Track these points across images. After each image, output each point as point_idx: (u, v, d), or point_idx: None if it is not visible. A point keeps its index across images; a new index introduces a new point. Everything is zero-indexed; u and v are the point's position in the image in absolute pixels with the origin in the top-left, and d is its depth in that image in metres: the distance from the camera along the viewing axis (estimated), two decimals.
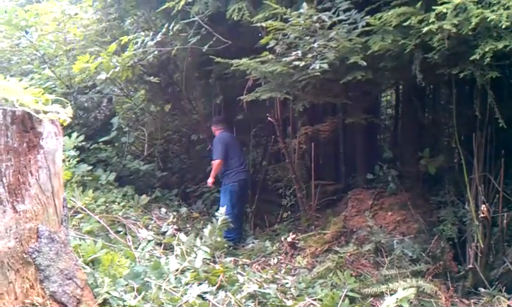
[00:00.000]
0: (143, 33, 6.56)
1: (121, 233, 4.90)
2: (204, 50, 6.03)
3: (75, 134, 6.33)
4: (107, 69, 6.36)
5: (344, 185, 6.94)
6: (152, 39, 6.27)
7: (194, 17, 5.92)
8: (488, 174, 4.99)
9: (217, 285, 3.83)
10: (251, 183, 7.08)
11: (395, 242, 5.14)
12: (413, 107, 6.32)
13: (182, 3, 5.76)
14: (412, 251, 5.00)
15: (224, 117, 7.21)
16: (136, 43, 6.34)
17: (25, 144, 2.74)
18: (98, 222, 4.72)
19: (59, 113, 2.93)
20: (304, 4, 4.80)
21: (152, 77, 7.36)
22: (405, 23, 4.05)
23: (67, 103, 3.12)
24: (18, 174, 2.70)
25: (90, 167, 6.32)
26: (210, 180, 6.67)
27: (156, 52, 6.37)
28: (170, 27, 6.09)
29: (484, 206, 4.58)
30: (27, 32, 7.09)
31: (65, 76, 7.13)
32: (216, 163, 6.58)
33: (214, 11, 5.87)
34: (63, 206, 2.94)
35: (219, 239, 5.11)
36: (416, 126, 6.39)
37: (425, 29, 3.82)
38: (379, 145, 7.89)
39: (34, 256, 2.66)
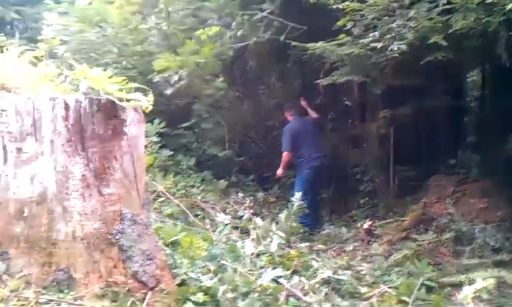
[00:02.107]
0: (218, 27, 6.66)
1: (200, 216, 5.08)
2: (281, 39, 6.05)
3: (157, 121, 6.60)
4: (188, 66, 6.54)
5: (424, 171, 6.69)
6: (229, 35, 6.37)
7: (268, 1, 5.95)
8: None
9: (291, 270, 3.87)
10: (328, 168, 7.02)
11: (476, 230, 4.90)
12: (498, 88, 5.97)
13: None
14: (495, 239, 4.75)
15: (296, 103, 7.14)
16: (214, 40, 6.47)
17: (110, 131, 2.91)
18: (178, 205, 4.91)
19: (140, 101, 3.08)
20: None
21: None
22: (488, 0, 3.82)
23: (148, 91, 3.26)
24: (103, 160, 2.87)
25: (171, 153, 6.58)
26: (279, 171, 6.70)
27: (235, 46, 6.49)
28: (245, 18, 6.16)
29: None
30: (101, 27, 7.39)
31: (144, 68, 7.40)
32: (284, 155, 6.61)
33: None
34: (145, 190, 3.10)
35: (294, 224, 5.14)
36: (502, 109, 6.02)
37: (509, 6, 3.59)
38: (462, 129, 7.52)
39: (117, 237, 2.82)
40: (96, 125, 2.87)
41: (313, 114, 6.87)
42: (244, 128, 8.94)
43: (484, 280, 3.51)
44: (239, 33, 6.47)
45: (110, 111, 2.91)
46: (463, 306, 3.51)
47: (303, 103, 6.91)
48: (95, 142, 2.86)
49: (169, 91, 6.73)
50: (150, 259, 2.89)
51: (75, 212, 2.81)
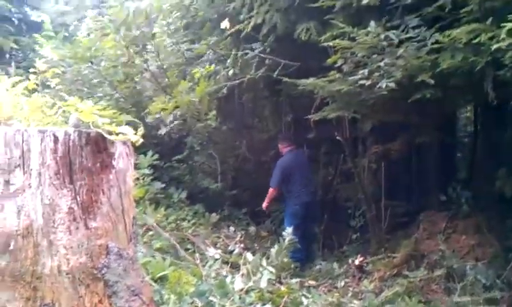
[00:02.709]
0: (212, 66, 6.77)
1: (190, 250, 5.04)
2: (274, 76, 6.14)
3: (150, 153, 6.60)
4: (182, 105, 6.62)
5: (416, 207, 6.71)
6: (223, 73, 6.48)
7: (260, 40, 6.05)
8: None
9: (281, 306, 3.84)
10: (321, 202, 7.03)
11: (468, 267, 4.89)
12: (490, 124, 6.04)
13: (251, 24, 5.92)
14: (486, 277, 4.74)
15: (290, 134, 7.20)
16: (208, 77, 6.57)
17: (98, 164, 2.90)
18: (168, 239, 4.88)
19: (129, 135, 3.09)
20: (372, 23, 4.76)
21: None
22: (475, 41, 3.91)
23: (139, 124, 3.28)
24: (91, 193, 2.86)
25: (163, 185, 6.58)
26: (264, 204, 6.69)
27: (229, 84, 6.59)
28: (239, 56, 6.26)
29: None
30: (92, 63, 7.49)
31: (137, 101, 7.47)
32: (270, 190, 6.63)
33: (282, 32, 5.96)
34: (133, 224, 3.08)
35: (285, 259, 5.10)
36: (493, 145, 6.08)
37: (495, 46, 3.67)
38: (454, 165, 7.57)
39: (103, 271, 2.79)
40: (85, 158, 2.87)
41: None
42: (236, 162, 8.97)
43: None
44: (230, 72, 6.57)
45: (99, 144, 2.91)
46: None
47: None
48: (83, 175, 2.86)
49: (163, 131, 6.80)
50: (135, 295, 2.85)
51: (61, 245, 2.78)
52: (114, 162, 2.97)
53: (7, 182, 2.78)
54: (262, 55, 6.24)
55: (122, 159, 3.01)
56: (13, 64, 9.32)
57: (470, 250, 5.25)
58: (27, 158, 2.80)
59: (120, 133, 3.07)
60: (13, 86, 3.81)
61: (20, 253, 2.78)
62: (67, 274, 2.77)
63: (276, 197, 6.79)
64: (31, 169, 2.79)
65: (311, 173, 6.98)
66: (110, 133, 3.08)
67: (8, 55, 11.70)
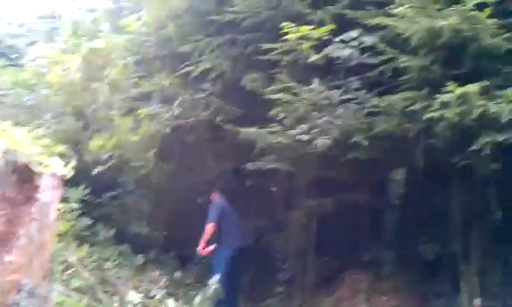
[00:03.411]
0: (159, 105, 6.72)
1: (110, 293, 4.82)
2: (218, 120, 6.17)
3: (81, 187, 6.35)
4: (122, 144, 6.50)
5: (342, 264, 6.79)
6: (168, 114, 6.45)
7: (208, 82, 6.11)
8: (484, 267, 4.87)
9: None
10: (251, 251, 6.97)
11: None
12: (418, 190, 6.29)
13: (199, 69, 5.97)
14: None
15: (225, 185, 7.14)
16: (152, 117, 6.51)
17: (22, 196, 2.77)
18: (88, 279, 4.65)
19: (58, 167, 2.98)
20: (316, 80, 4.92)
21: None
22: (410, 108, 4.11)
23: (73, 157, 3.17)
24: (9, 225, 2.71)
25: (91, 221, 6.31)
26: (200, 246, 6.43)
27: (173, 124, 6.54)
28: (185, 99, 6.28)
29: (476, 300, 4.44)
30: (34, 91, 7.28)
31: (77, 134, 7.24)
32: (208, 227, 6.41)
33: (230, 79, 6.05)
34: (50, 261, 2.92)
35: None
36: (419, 210, 6.32)
37: (427, 116, 3.88)
38: (381, 225, 7.78)
39: None
40: (9, 187, 2.73)
41: None
42: (170, 203, 8.78)
43: None
44: (176, 112, 6.53)
45: (25, 175, 2.79)
46: None
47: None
48: (4, 205, 2.71)
49: (96, 171, 6.59)
50: None
51: None
52: (38, 195, 2.84)
53: None
54: (209, 97, 6.27)
55: (48, 191, 2.88)
56: None
57: None
58: None
59: (48, 165, 2.95)
60: None
61: None
62: None
63: (209, 240, 6.59)
64: None
65: (242, 223, 6.92)
66: (40, 163, 2.96)
67: None
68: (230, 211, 6.62)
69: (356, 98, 4.80)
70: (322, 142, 4.66)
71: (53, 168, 2.87)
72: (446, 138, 4.11)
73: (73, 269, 4.79)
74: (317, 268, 6.39)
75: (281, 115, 5.16)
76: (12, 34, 11.97)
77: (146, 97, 7.35)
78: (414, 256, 5.86)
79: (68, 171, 2.93)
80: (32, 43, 9.00)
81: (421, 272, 5.89)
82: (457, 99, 3.83)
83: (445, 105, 3.88)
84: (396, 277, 5.76)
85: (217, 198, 6.76)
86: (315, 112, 4.96)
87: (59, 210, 5.21)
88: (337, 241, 7.16)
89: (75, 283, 4.47)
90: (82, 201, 6.25)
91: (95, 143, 6.51)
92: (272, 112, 5.25)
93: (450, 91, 3.81)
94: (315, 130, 4.81)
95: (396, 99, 4.32)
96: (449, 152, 4.33)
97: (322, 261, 6.54)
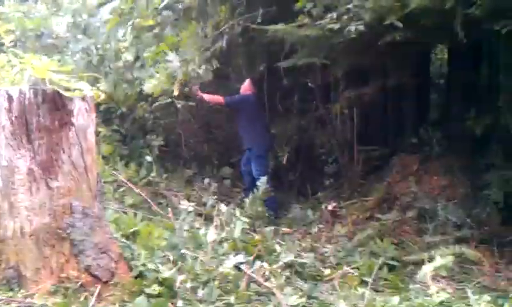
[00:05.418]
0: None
1: (163, 205, 4.99)
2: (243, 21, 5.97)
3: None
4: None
5: (389, 150, 6.72)
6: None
7: None
8: None
9: (254, 255, 3.84)
10: (295, 150, 6.99)
11: (439, 207, 4.95)
12: (462, 65, 6.02)
13: None
14: (457, 216, 4.80)
15: (256, 82, 6.96)
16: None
17: (56, 122, 2.81)
18: (140, 195, 4.82)
19: (87, 90, 2.99)
20: None
21: None
22: None
23: (100, 79, 3.16)
24: (50, 152, 2.78)
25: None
26: (199, 91, 6.25)
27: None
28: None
29: None
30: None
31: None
32: (219, 99, 6.33)
33: None
34: (97, 181, 3.01)
35: (260, 209, 5.12)
36: (465, 86, 6.07)
37: None
38: (426, 107, 7.57)
39: (68, 231, 2.74)
40: (42, 116, 2.77)
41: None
42: (211, 112, 8.79)
43: (443, 257, 3.55)
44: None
45: (56, 102, 2.81)
46: (423, 284, 3.56)
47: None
48: (41, 134, 2.77)
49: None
50: (103, 253, 2.83)
51: (22, 207, 2.72)
52: (73, 119, 2.88)
53: None
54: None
55: (82, 116, 2.91)
56: None
57: (442, 191, 5.29)
58: None
59: (77, 89, 2.96)
60: None
61: None
62: (30, 235, 2.72)
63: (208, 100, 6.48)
64: None
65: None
66: (67, 89, 2.97)
67: None
68: (257, 112, 6.51)
69: None
70: (354, 28, 4.43)
71: (82, 92, 2.87)
72: (485, 4, 3.81)
73: (124, 187, 4.96)
74: (364, 157, 6.34)
75: (308, 6, 4.91)
76: None
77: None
78: (462, 134, 5.71)
79: (99, 93, 2.93)
80: None
81: (470, 149, 5.76)
82: None
83: None
84: (445, 157, 5.65)
85: (247, 92, 6.61)
86: None
87: (99, 133, 5.35)
88: (382, 128, 7.07)
89: (129, 200, 4.64)
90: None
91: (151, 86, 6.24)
92: (298, 3, 5.01)
93: None
94: (346, 17, 4.57)
95: None
96: (490, 19, 4.03)
97: (369, 149, 6.47)
